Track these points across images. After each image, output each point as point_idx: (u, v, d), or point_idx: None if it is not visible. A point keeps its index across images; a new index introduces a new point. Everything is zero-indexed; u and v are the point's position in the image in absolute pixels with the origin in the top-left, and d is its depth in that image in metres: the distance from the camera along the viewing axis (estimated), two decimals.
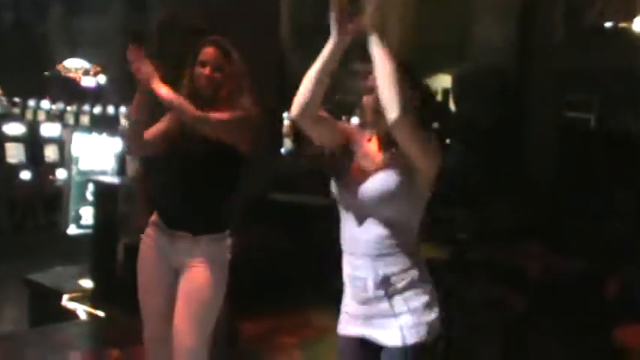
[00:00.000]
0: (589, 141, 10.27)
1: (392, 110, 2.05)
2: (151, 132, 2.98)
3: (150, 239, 3.00)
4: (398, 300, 2.21)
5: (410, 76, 2.21)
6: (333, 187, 2.32)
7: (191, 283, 2.92)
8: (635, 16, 14.93)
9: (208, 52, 2.93)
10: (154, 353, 3.05)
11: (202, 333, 2.93)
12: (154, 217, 3.01)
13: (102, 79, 22.78)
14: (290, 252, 5.47)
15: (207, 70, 2.91)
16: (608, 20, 16.10)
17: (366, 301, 2.25)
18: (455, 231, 3.95)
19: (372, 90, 2.17)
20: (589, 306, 4.10)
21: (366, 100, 2.26)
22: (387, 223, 2.22)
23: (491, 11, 9.88)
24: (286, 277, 5.25)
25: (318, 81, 2.17)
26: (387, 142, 2.23)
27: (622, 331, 3.83)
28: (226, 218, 3.01)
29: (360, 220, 2.25)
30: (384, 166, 2.23)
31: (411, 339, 2.19)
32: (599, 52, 13.65)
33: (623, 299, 4.04)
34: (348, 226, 2.29)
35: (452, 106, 10.25)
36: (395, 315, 2.21)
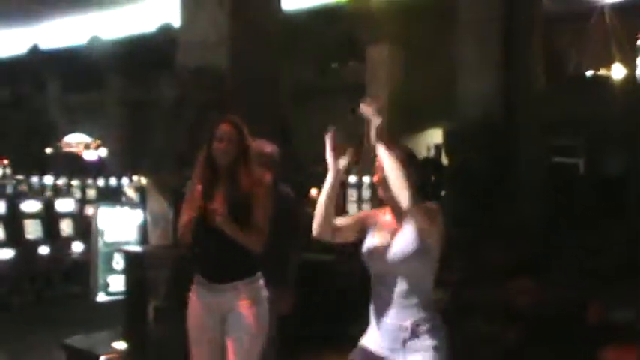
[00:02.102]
0: (574, 183, 10.82)
1: (404, 202, 2.67)
2: (186, 221, 3.50)
3: (195, 297, 3.52)
4: (417, 342, 2.82)
5: (410, 159, 2.88)
6: (365, 257, 2.92)
7: (238, 323, 3.42)
8: (611, 64, 15.68)
9: (224, 128, 3.51)
10: None
11: None
12: (196, 278, 3.53)
13: (102, 152, 23.37)
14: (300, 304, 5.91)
15: (223, 145, 3.48)
16: (587, 69, 16.83)
17: (394, 339, 2.84)
18: (446, 273, 4.41)
19: (379, 170, 2.76)
20: (575, 332, 4.58)
21: (377, 179, 2.88)
22: (409, 278, 2.82)
23: (473, 66, 10.45)
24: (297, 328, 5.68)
25: (327, 205, 2.82)
26: (400, 213, 2.81)
27: (605, 353, 4.31)
28: (255, 264, 3.52)
29: (386, 280, 2.85)
30: (400, 235, 2.84)
31: None
32: (580, 98, 14.30)
33: (604, 324, 4.53)
34: (379, 283, 2.89)
35: (444, 160, 10.82)
36: (418, 350, 2.82)
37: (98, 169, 21.65)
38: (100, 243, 6.46)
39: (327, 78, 19.03)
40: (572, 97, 13.34)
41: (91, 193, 16.87)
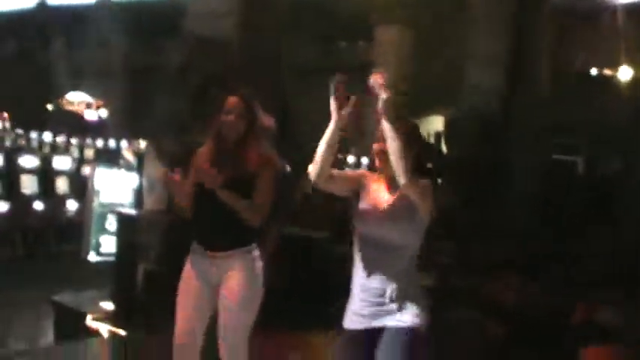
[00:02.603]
0: (572, 182, 10.85)
1: (402, 177, 2.75)
2: (187, 190, 3.51)
3: (190, 264, 3.53)
4: (403, 301, 2.88)
5: (414, 135, 2.93)
6: (354, 220, 2.99)
7: (231, 292, 3.44)
8: (619, 65, 15.64)
9: (233, 101, 3.49)
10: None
11: (245, 335, 3.46)
12: (193, 246, 3.54)
13: (103, 113, 23.33)
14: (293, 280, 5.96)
15: (231, 118, 3.47)
16: (594, 68, 16.80)
17: (377, 304, 2.90)
18: (439, 257, 4.46)
19: (381, 139, 2.80)
20: (559, 331, 4.62)
21: (376, 147, 2.93)
22: (394, 243, 2.89)
23: (481, 57, 10.44)
24: (289, 304, 5.73)
25: (326, 152, 2.86)
26: (393, 182, 2.88)
27: (587, 353, 4.35)
28: (252, 234, 3.53)
29: (377, 244, 2.91)
30: (391, 201, 2.91)
31: (410, 323, 2.87)
32: (585, 97, 14.29)
33: (589, 324, 4.57)
34: (367, 249, 2.95)
35: (444, 148, 10.81)
36: (399, 310, 2.88)
37: (98, 129, 21.62)
38: (95, 203, 6.50)
39: (334, 57, 18.98)
40: (577, 95, 13.34)
41: (89, 153, 16.86)
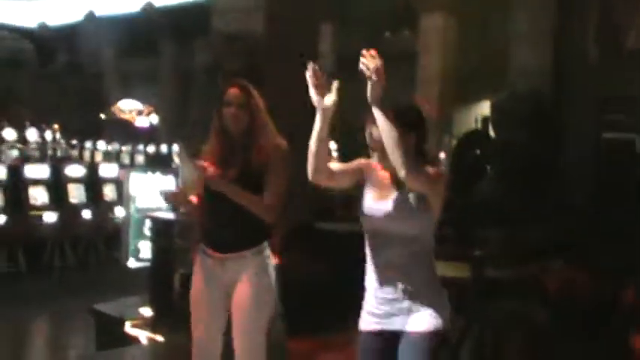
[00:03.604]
0: (628, 162, 10.43)
1: (400, 169, 2.53)
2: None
3: (199, 268, 3.41)
4: (418, 300, 2.66)
5: (408, 121, 2.68)
6: (360, 213, 2.77)
7: (243, 294, 3.30)
8: None
9: (232, 92, 3.35)
10: None
11: (259, 337, 3.32)
12: (200, 248, 3.41)
13: (154, 119, 23.54)
14: (334, 276, 5.82)
15: (232, 110, 3.32)
16: None
17: (391, 301, 2.69)
18: (473, 250, 4.27)
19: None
20: (607, 317, 4.37)
21: (375, 141, 2.69)
22: (405, 238, 2.66)
23: (527, 37, 10.14)
24: (330, 300, 5.59)
25: (318, 147, 2.65)
26: (397, 175, 2.62)
27: (638, 339, 4.10)
28: (263, 232, 3.38)
29: (385, 240, 2.69)
30: (398, 192, 2.68)
31: (430, 327, 2.64)
32: (637, 74, 13.77)
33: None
34: (376, 243, 2.73)
35: (491, 133, 10.53)
36: (414, 311, 2.66)
37: (149, 135, 21.81)
38: (132, 209, 6.46)
39: (379, 47, 18.74)
40: (629, 71, 12.85)
41: (140, 159, 17.02)
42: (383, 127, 2.55)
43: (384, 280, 2.70)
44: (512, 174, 8.71)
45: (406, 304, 2.67)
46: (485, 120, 11.16)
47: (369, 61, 2.53)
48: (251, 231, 3.31)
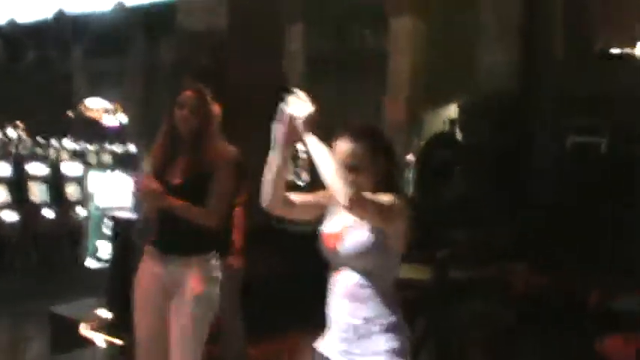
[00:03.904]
0: (593, 165, 10.48)
1: (340, 197, 2.27)
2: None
3: (145, 266, 3.34)
4: (373, 342, 2.44)
5: (374, 147, 2.48)
6: (318, 245, 2.56)
7: (184, 296, 3.22)
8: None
9: (186, 95, 3.28)
10: None
11: (197, 349, 3.24)
12: (147, 248, 3.34)
13: (122, 118, 23.31)
14: (296, 277, 5.74)
15: (184, 112, 3.26)
16: (616, 46, 16.29)
17: (344, 339, 2.48)
18: (435, 251, 4.22)
19: (341, 153, 2.45)
20: (572, 319, 4.34)
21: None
22: (362, 272, 2.45)
23: (493, 37, 10.13)
24: (292, 301, 5.51)
25: (275, 181, 2.43)
26: None
27: (603, 341, 4.06)
28: (209, 241, 3.31)
29: (339, 269, 2.50)
30: (357, 224, 2.43)
31: None
32: (606, 76, 13.84)
33: (604, 311, 4.28)
34: (333, 275, 2.54)
35: (458, 135, 10.54)
36: (369, 353, 2.44)
37: (117, 134, 21.58)
38: (91, 207, 6.33)
39: (346, 46, 18.73)
40: (597, 73, 12.92)
41: (107, 159, 16.77)
42: (317, 157, 2.32)
43: (338, 315, 2.51)
44: (478, 175, 8.71)
45: (362, 344, 2.46)
46: (452, 122, 11.20)
47: (298, 97, 2.37)
48: (197, 237, 3.25)
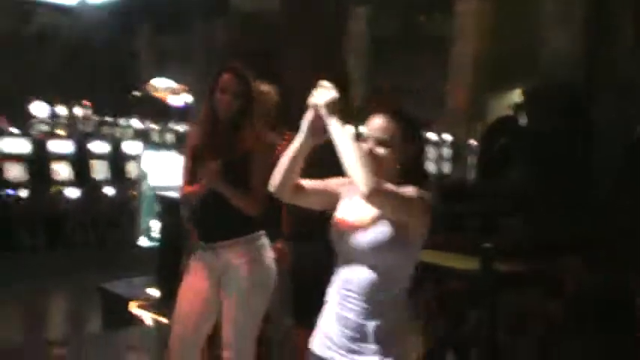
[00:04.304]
0: None
1: (360, 185, 2.17)
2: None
3: (193, 259, 3.31)
4: (380, 342, 2.31)
5: (406, 128, 2.39)
6: (330, 234, 2.43)
7: (234, 280, 3.20)
8: None
9: (228, 79, 3.20)
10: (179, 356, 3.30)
11: (250, 337, 3.21)
12: (194, 239, 3.32)
13: (187, 98, 23.53)
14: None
15: (226, 97, 3.18)
16: None
17: (353, 339, 2.34)
18: (484, 241, 4.09)
19: (367, 138, 2.37)
20: (626, 320, 4.18)
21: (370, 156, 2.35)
22: (377, 270, 2.31)
23: (561, 24, 9.84)
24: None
25: (291, 167, 2.37)
26: None
27: None
28: (255, 221, 3.25)
29: (353, 266, 2.35)
30: (375, 218, 2.31)
31: None
32: None
33: None
34: (342, 268, 2.39)
35: (522, 121, 10.27)
36: (381, 354, 2.31)
37: (182, 114, 21.80)
38: (145, 186, 6.38)
39: (411, 30, 18.49)
40: None
41: (170, 138, 16.98)
42: (339, 143, 2.23)
43: (347, 315, 2.36)
44: (539, 164, 8.47)
45: (372, 347, 2.32)
46: (516, 107, 10.92)
47: (323, 86, 2.31)
48: (238, 219, 3.20)
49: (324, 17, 6.49)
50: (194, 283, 3.29)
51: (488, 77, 14.87)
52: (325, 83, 2.32)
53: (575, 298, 4.35)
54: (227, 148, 3.18)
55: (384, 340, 2.31)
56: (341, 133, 2.25)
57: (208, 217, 3.24)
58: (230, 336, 3.22)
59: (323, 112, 2.28)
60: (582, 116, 9.15)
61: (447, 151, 16.53)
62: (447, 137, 16.24)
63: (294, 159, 2.37)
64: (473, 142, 14.65)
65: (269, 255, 3.30)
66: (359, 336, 2.32)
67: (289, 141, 3.38)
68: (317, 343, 2.45)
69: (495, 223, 6.44)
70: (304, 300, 4.98)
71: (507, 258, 4.40)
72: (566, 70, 9.36)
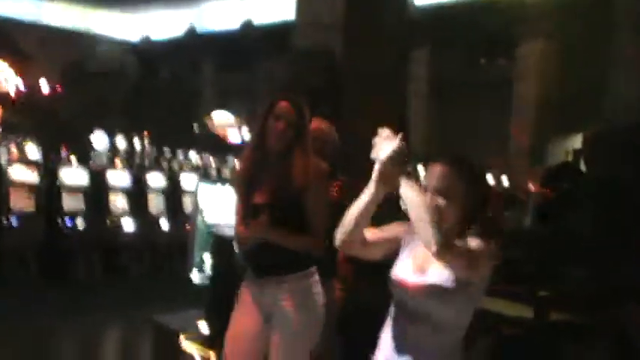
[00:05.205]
0: None
1: (428, 244, 2.13)
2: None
3: (242, 293, 3.26)
4: None
5: (468, 176, 2.34)
6: (390, 281, 2.40)
7: (283, 318, 3.12)
8: None
9: (283, 106, 3.13)
10: None
11: None
12: (246, 271, 3.27)
13: (246, 132, 23.72)
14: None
15: (281, 125, 3.10)
16: None
17: None
18: (535, 289, 3.96)
19: (429, 188, 2.32)
20: None
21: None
22: (436, 322, 2.28)
23: (625, 66, 9.66)
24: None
25: (358, 222, 2.32)
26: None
27: None
28: (306, 257, 3.16)
29: (410, 315, 2.32)
30: (440, 268, 2.26)
31: None
32: None
33: None
34: (398, 317, 2.36)
35: (582, 167, 10.05)
36: None
37: (240, 149, 21.93)
38: (199, 221, 6.37)
39: (474, 73, 18.38)
40: None
41: (227, 173, 17.06)
42: (409, 202, 2.17)
43: (397, 355, 2.33)
44: (600, 211, 8.24)
45: None
46: (576, 152, 10.72)
47: (382, 143, 2.21)
48: (292, 254, 3.13)
49: (385, 58, 6.48)
50: (242, 319, 3.23)
51: (550, 120, 14.66)
52: (385, 132, 2.23)
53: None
54: (277, 181, 3.12)
55: None
56: (409, 190, 2.18)
57: (259, 248, 3.19)
58: None
59: (387, 166, 2.20)
60: None
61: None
62: (506, 181, 16.00)
63: (363, 213, 2.31)
64: (531, 185, 14.39)
65: (318, 292, 3.23)
66: None
67: (343, 186, 3.33)
68: None
69: (551, 272, 6.26)
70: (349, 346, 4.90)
71: (567, 307, 4.26)
72: (631, 115, 9.15)
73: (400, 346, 2.31)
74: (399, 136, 2.23)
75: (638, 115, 9.13)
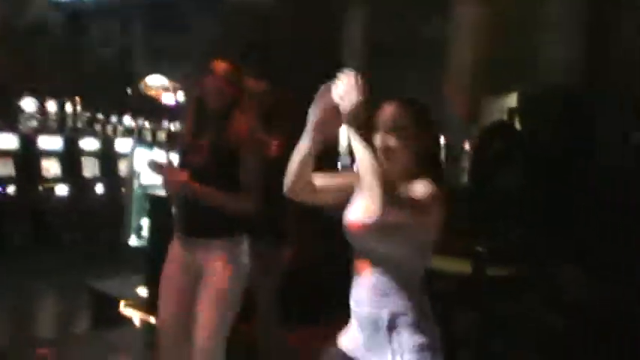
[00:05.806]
0: None
1: (374, 203, 2.05)
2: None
3: (172, 250, 3.23)
4: (397, 338, 2.24)
5: (420, 114, 2.30)
6: (343, 226, 2.34)
7: (210, 285, 3.09)
8: None
9: (220, 66, 3.13)
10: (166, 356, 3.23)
11: (221, 334, 3.12)
12: (175, 230, 3.23)
13: (181, 96, 23.43)
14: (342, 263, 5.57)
15: (217, 84, 3.10)
16: None
17: (368, 335, 2.29)
18: (477, 244, 4.02)
19: (382, 131, 2.25)
20: (626, 329, 4.10)
21: (389, 150, 2.27)
22: (389, 263, 2.25)
23: (560, 32, 9.77)
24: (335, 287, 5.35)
25: (300, 171, 2.27)
26: (393, 182, 2.21)
27: None
28: (236, 225, 3.15)
29: (364, 259, 2.29)
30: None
31: None
32: None
33: None
34: (358, 261, 2.32)
35: (517, 125, 10.20)
36: (393, 352, 2.24)
37: (174, 113, 21.68)
38: (136, 184, 6.28)
39: (409, 33, 18.42)
40: None
41: (162, 137, 16.85)
42: (359, 152, 2.11)
43: (361, 302, 2.31)
44: (534, 169, 8.39)
45: (384, 341, 2.26)
46: (511, 111, 10.85)
47: (351, 80, 2.11)
48: (220, 220, 3.11)
49: (319, 15, 6.39)
50: (172, 277, 3.22)
51: (484, 81, 14.81)
52: (353, 77, 2.12)
53: (575, 307, 4.26)
54: (213, 142, 3.09)
55: (401, 330, 2.24)
56: (360, 146, 2.12)
57: (189, 210, 3.17)
58: (199, 345, 3.13)
59: (345, 118, 2.12)
60: (579, 122, 9.10)
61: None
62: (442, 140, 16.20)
63: (303, 160, 2.27)
64: (467, 145, 14.59)
65: (245, 262, 3.23)
66: (376, 331, 2.26)
67: (282, 143, 3.29)
68: (344, 340, 2.40)
69: (486, 228, 6.37)
70: (299, 301, 4.90)
71: (501, 263, 4.32)
72: (564, 76, 9.30)
73: (364, 291, 2.29)
74: (365, 84, 2.12)
75: (570, 76, 9.28)
